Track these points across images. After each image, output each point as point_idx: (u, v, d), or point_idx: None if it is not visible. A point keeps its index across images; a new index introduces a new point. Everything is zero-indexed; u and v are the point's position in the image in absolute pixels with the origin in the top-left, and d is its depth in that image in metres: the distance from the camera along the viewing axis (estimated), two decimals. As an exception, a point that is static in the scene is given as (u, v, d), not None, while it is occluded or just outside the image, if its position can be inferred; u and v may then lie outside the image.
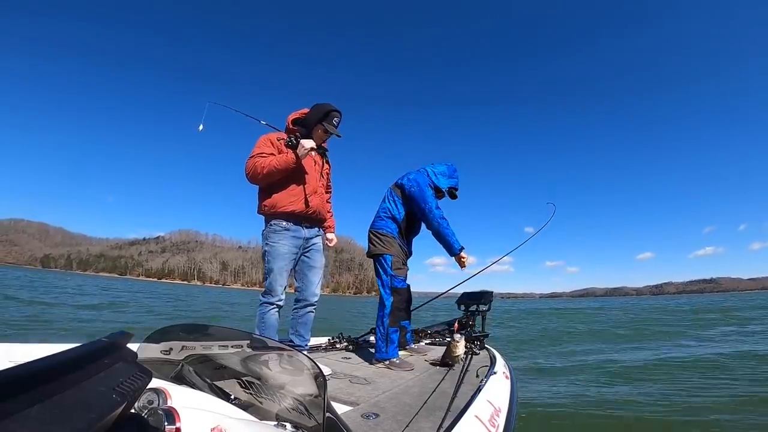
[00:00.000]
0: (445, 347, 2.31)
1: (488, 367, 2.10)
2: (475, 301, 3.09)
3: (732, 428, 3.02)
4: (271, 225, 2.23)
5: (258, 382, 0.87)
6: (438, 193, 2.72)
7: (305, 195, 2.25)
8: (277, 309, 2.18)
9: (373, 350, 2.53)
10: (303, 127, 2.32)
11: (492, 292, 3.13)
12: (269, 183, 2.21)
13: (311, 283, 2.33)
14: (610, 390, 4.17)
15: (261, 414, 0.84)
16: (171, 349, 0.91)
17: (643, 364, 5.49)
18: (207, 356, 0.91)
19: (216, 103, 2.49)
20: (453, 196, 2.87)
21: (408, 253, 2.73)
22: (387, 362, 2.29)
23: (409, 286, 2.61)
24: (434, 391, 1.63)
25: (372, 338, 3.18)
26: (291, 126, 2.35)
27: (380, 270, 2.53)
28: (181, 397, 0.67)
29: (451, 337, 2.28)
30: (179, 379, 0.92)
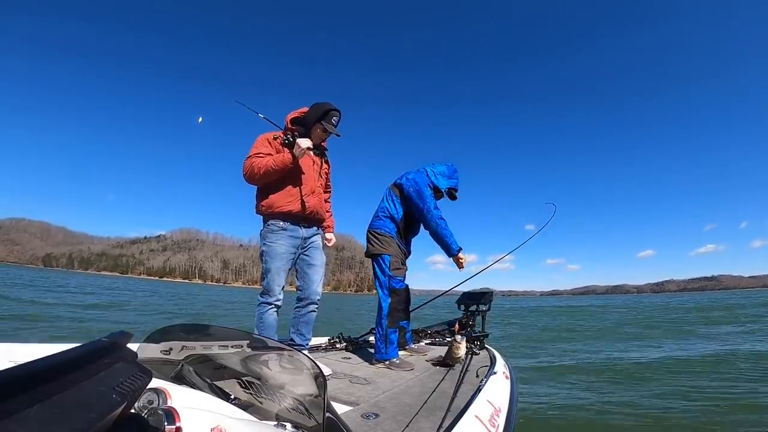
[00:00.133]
0: (445, 347, 2.31)
1: (488, 367, 2.10)
2: (475, 301, 3.09)
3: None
4: (268, 225, 2.23)
5: (258, 382, 0.87)
6: (437, 193, 2.70)
7: (303, 195, 2.25)
8: (275, 309, 2.18)
9: (373, 350, 2.53)
10: (302, 127, 2.31)
11: (492, 292, 3.13)
12: (267, 183, 2.21)
13: (312, 282, 2.32)
14: (613, 390, 4.15)
15: (261, 414, 0.84)
16: (171, 349, 0.91)
17: (650, 363, 5.46)
18: (207, 356, 0.91)
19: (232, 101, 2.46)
20: (452, 197, 2.85)
21: (407, 253, 2.72)
22: (387, 362, 2.28)
23: (407, 286, 2.60)
24: (434, 391, 1.63)
25: (372, 338, 3.18)
26: (290, 125, 2.35)
27: (378, 270, 2.52)
28: (181, 397, 0.67)
29: (453, 338, 2.27)
30: (179, 379, 0.92)
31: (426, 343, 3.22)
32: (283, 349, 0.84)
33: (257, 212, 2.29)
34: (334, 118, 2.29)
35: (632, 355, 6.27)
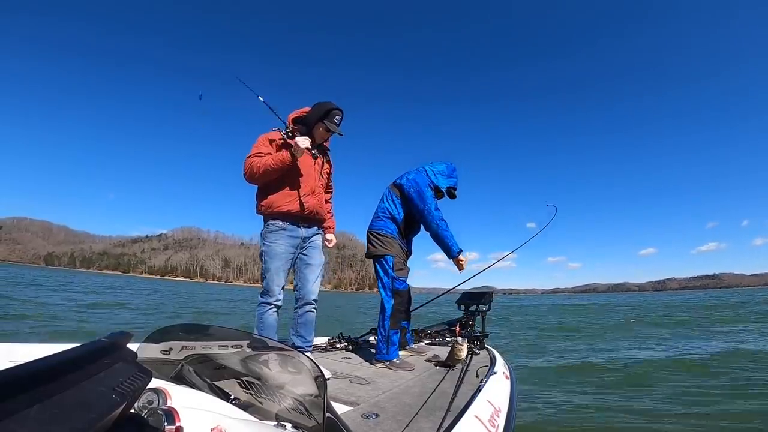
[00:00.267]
0: (445, 347, 2.31)
1: (488, 367, 2.09)
2: (475, 301, 3.09)
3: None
4: (268, 225, 2.23)
5: (258, 382, 0.87)
6: (437, 193, 2.69)
7: (302, 194, 2.24)
8: (275, 309, 2.17)
9: (373, 350, 2.53)
10: (304, 126, 2.30)
11: (492, 293, 3.14)
12: (266, 182, 2.21)
13: (308, 282, 2.30)
14: (615, 390, 4.13)
15: (261, 414, 0.84)
16: (171, 349, 0.92)
17: (651, 363, 5.43)
18: (207, 356, 0.91)
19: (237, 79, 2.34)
20: (452, 196, 2.84)
21: (408, 253, 2.71)
22: (387, 363, 2.28)
23: (409, 286, 2.59)
24: (434, 391, 1.63)
25: (372, 338, 3.18)
26: (292, 125, 2.35)
27: (381, 272, 2.50)
28: (181, 397, 0.68)
29: (455, 339, 2.27)
30: (179, 379, 0.92)
31: (426, 343, 3.22)
32: (283, 349, 0.84)
33: (257, 212, 2.29)
34: (337, 117, 2.28)
35: (634, 354, 6.23)
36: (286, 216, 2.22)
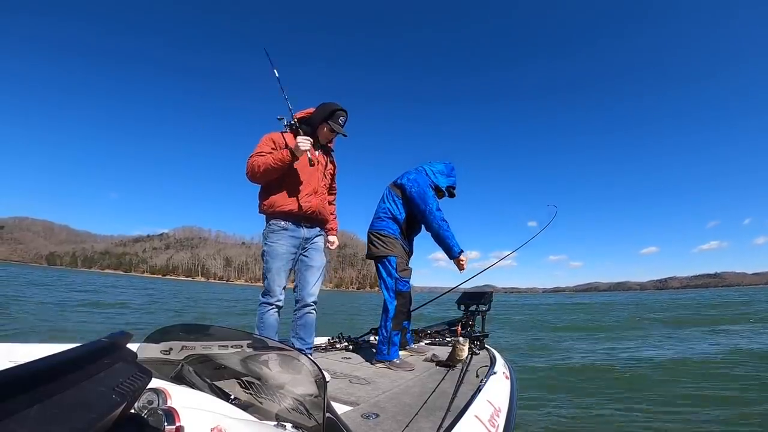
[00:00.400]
0: (445, 347, 2.31)
1: (488, 367, 2.10)
2: (475, 301, 3.10)
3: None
4: (270, 225, 2.21)
5: (258, 382, 0.87)
6: (438, 192, 2.69)
7: (304, 194, 2.22)
8: (276, 309, 2.16)
9: (373, 350, 2.53)
10: (308, 126, 2.28)
11: (492, 293, 3.14)
12: (268, 182, 2.20)
13: (308, 283, 2.27)
14: (616, 391, 4.11)
15: (261, 414, 0.85)
16: (171, 349, 0.92)
17: (653, 362, 5.39)
18: (207, 356, 0.92)
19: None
20: (451, 195, 2.85)
21: (410, 253, 2.71)
22: (387, 363, 2.28)
23: (410, 287, 2.59)
24: (434, 391, 1.64)
25: (372, 338, 3.18)
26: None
27: (384, 273, 2.49)
28: (181, 397, 0.68)
29: (456, 340, 2.27)
30: (179, 379, 0.92)
31: (426, 343, 3.22)
32: (283, 349, 0.84)
33: (260, 211, 2.28)
34: (341, 118, 2.27)
35: (636, 354, 6.20)
36: (287, 216, 2.20)
